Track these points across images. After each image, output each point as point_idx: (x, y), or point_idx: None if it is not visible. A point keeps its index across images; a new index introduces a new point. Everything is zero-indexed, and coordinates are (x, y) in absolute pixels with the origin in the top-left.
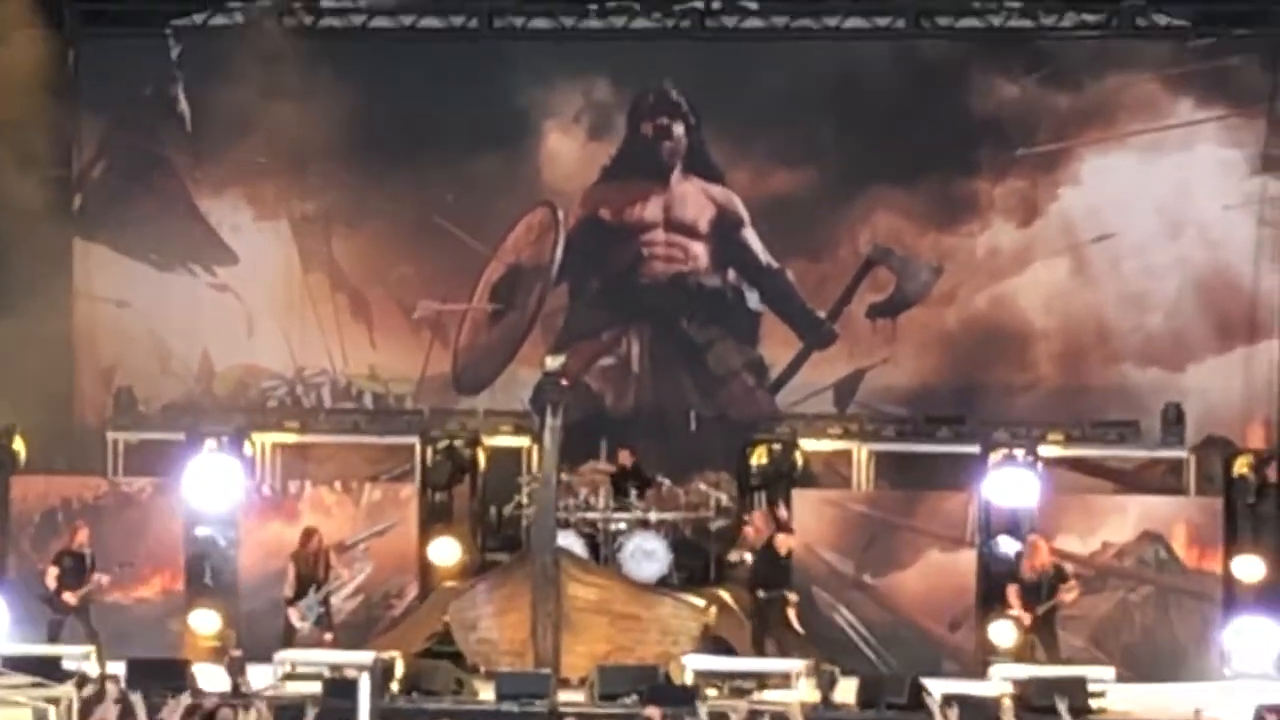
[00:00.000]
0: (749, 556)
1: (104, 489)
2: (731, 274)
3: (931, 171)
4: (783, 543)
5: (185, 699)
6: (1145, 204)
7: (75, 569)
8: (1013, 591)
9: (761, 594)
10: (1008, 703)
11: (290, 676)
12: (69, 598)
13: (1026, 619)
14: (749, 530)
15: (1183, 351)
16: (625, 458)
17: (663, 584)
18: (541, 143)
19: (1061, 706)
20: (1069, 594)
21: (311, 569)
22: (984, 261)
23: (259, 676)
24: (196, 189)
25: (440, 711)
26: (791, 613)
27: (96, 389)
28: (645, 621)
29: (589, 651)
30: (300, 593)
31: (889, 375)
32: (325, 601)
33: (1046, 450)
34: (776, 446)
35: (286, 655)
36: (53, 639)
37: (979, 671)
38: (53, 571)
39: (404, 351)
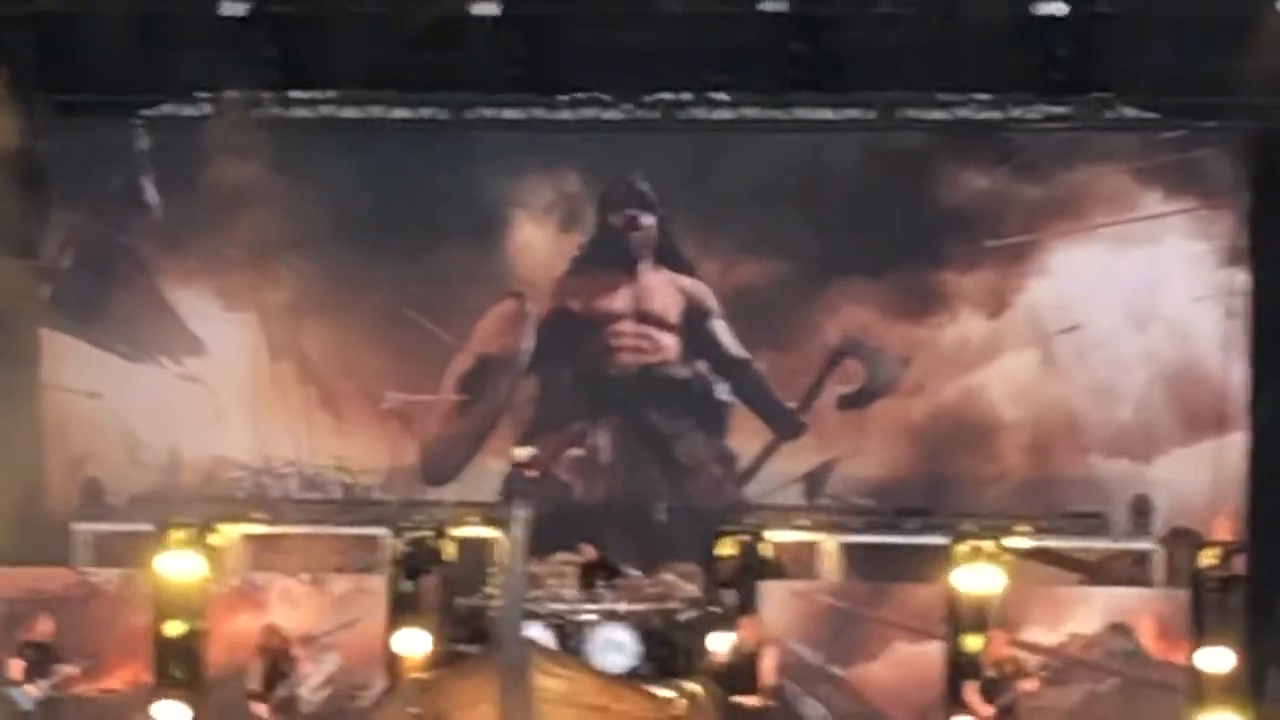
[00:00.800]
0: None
1: (71, 580)
2: (701, 365)
3: (900, 263)
4: (768, 665)
5: None
6: (1114, 296)
7: (40, 660)
8: (970, 689)
9: (738, 699)
10: None
11: None
12: (31, 690)
13: (988, 712)
14: (744, 633)
15: (1151, 443)
16: (589, 552)
17: (632, 675)
18: (512, 233)
19: None
20: (1028, 684)
21: (276, 662)
22: (952, 353)
23: None
24: (165, 280)
25: None
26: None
27: (65, 480)
28: (614, 714)
29: None
30: (268, 686)
31: (859, 467)
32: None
33: (1013, 542)
34: (745, 538)
35: None
36: None
37: None
38: (17, 664)
39: (372, 442)
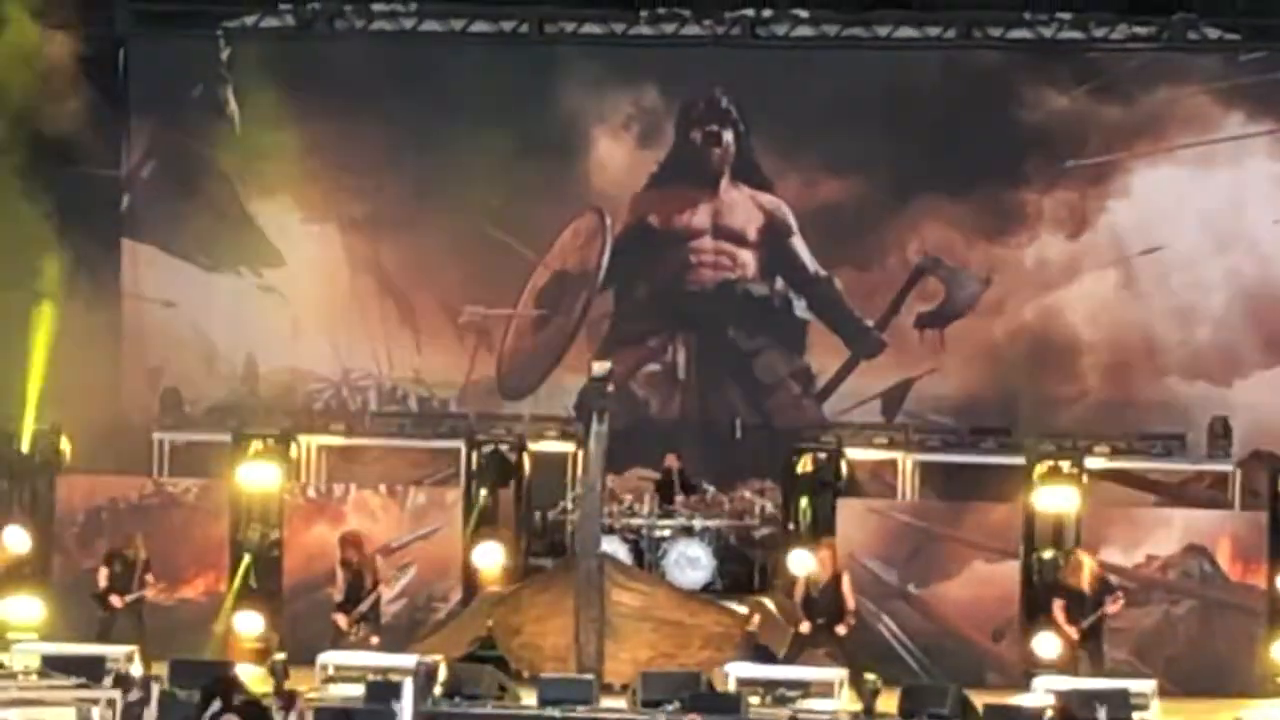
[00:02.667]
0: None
1: (149, 489)
2: (779, 282)
3: (981, 182)
4: (848, 590)
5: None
6: (1194, 218)
7: (125, 572)
8: (1058, 606)
9: (821, 621)
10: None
11: (333, 679)
12: (116, 600)
13: (1072, 632)
14: (825, 554)
15: (1230, 366)
16: (672, 461)
17: (706, 591)
18: (590, 149)
19: (1103, 718)
20: (1113, 607)
21: (359, 575)
22: (1032, 273)
23: (302, 678)
24: (244, 191)
25: (483, 716)
26: (841, 630)
27: (143, 389)
28: (688, 628)
29: (632, 658)
30: (350, 598)
31: (936, 385)
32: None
33: (1092, 463)
34: (822, 455)
35: (329, 658)
36: (102, 639)
37: (1022, 683)
38: (103, 572)
39: (449, 356)
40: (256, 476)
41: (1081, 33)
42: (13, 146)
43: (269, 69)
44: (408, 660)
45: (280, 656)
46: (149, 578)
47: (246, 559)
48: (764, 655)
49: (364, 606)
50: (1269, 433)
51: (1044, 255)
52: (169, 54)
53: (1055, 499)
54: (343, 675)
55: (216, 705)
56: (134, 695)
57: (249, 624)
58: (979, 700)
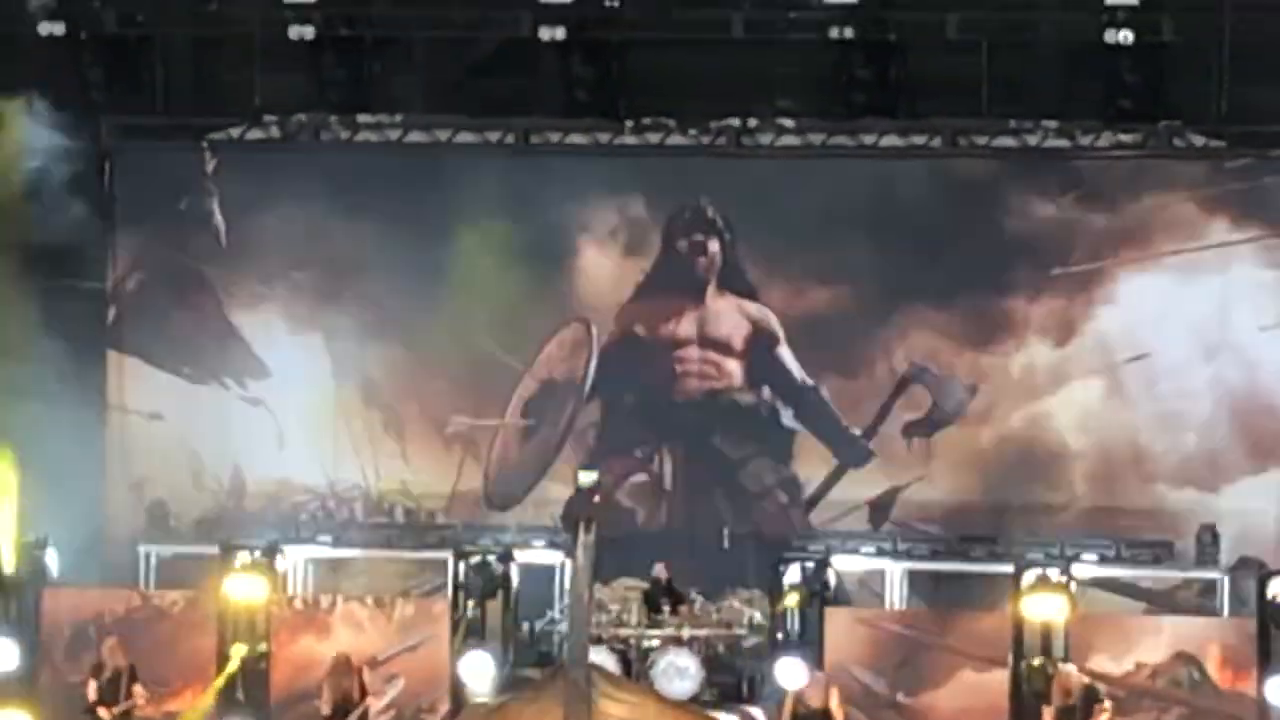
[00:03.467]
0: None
1: (136, 602)
2: (766, 391)
3: (967, 290)
4: (838, 711)
5: None
6: (1181, 324)
7: (112, 683)
8: (1047, 715)
9: None
10: None
11: None
12: (104, 714)
13: None
14: (821, 679)
15: (1217, 472)
16: (660, 571)
17: (695, 701)
18: (577, 259)
19: None
20: (1101, 717)
21: (347, 688)
22: (1020, 381)
23: None
24: (230, 302)
25: None
26: None
27: (128, 502)
28: None
29: None
30: (338, 712)
31: (924, 493)
32: None
33: (1080, 570)
34: (809, 564)
35: None
36: None
37: None
38: (91, 685)
39: (436, 467)
40: (243, 588)
41: (1067, 140)
42: (2, 253)
43: (254, 181)
44: None
45: None
46: (137, 688)
47: (231, 665)
48: None
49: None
50: (1256, 539)
51: (1031, 363)
52: (154, 166)
53: (1043, 607)
54: None
55: None
56: None
57: None
58: None
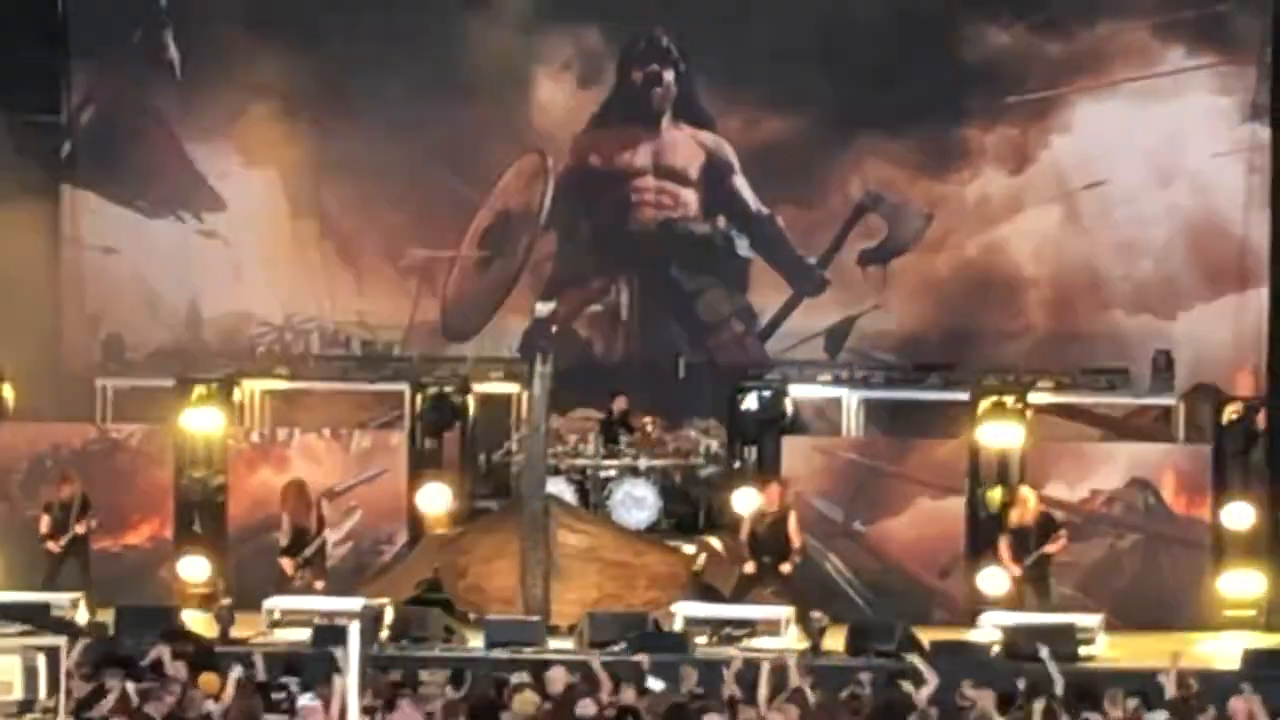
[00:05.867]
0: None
1: (93, 435)
2: (721, 221)
3: (922, 119)
4: (794, 528)
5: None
6: (1136, 152)
7: (63, 515)
8: (1003, 543)
9: (766, 560)
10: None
11: (279, 624)
12: (52, 545)
13: (1016, 569)
14: (774, 490)
15: (1173, 299)
16: (621, 404)
17: (652, 531)
18: (531, 90)
19: (1046, 654)
20: (1056, 544)
21: (304, 519)
22: (975, 209)
23: (248, 624)
24: (185, 135)
25: (430, 658)
26: (786, 568)
27: (83, 336)
28: (635, 568)
29: (579, 599)
30: (295, 543)
31: (880, 322)
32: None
33: (1036, 398)
34: (766, 393)
35: (275, 603)
36: (48, 586)
37: (968, 619)
38: (44, 519)
39: (392, 298)
40: (200, 421)
41: None
42: None
43: (208, 12)
44: (354, 604)
45: (226, 601)
46: (85, 518)
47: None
48: (710, 595)
49: (309, 551)
50: (1211, 365)
51: (986, 191)
52: None
53: (1000, 434)
54: (289, 620)
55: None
56: (80, 642)
57: (194, 569)
58: (925, 637)
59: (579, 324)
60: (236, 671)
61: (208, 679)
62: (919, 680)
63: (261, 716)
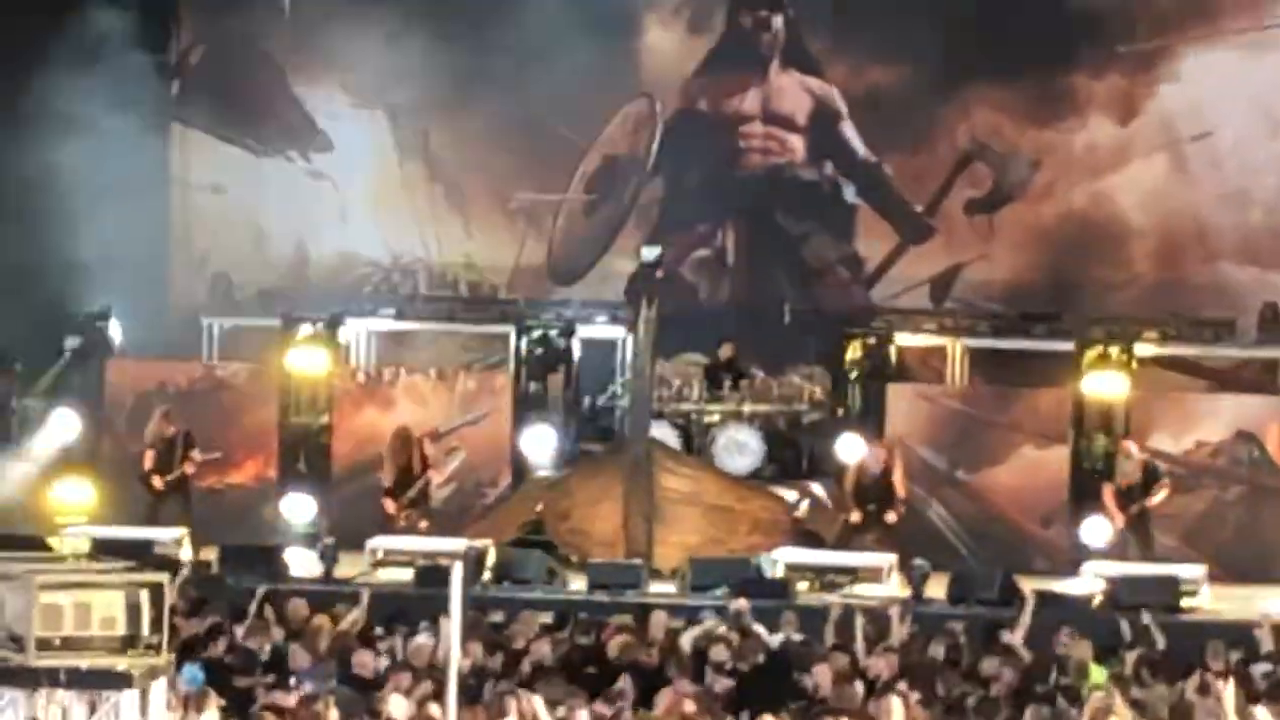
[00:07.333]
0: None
1: (199, 373)
2: (829, 167)
3: (1030, 67)
4: (900, 480)
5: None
6: (1245, 102)
7: (168, 452)
8: (1108, 492)
9: (871, 509)
10: None
11: (382, 564)
12: (158, 481)
13: (1121, 519)
14: (881, 453)
15: None
16: (728, 350)
17: (755, 477)
18: (640, 35)
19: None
20: (1160, 494)
21: (409, 460)
22: (1082, 158)
23: (351, 563)
24: (294, 75)
25: (532, 600)
26: (891, 517)
27: (191, 274)
28: (737, 514)
29: (680, 543)
30: (399, 483)
31: (985, 271)
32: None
33: (1141, 348)
34: (871, 341)
35: (379, 543)
36: (150, 522)
37: (1070, 568)
38: (149, 455)
39: (499, 241)
40: (306, 361)
41: None
42: (64, 28)
43: None
44: (457, 545)
45: (329, 540)
46: (194, 454)
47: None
48: (812, 541)
49: (413, 492)
50: None
51: (1094, 140)
52: None
53: (1104, 385)
54: (392, 560)
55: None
56: (183, 578)
57: (298, 508)
58: (1027, 585)
59: (685, 269)
60: (354, 613)
61: (321, 619)
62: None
63: (359, 656)
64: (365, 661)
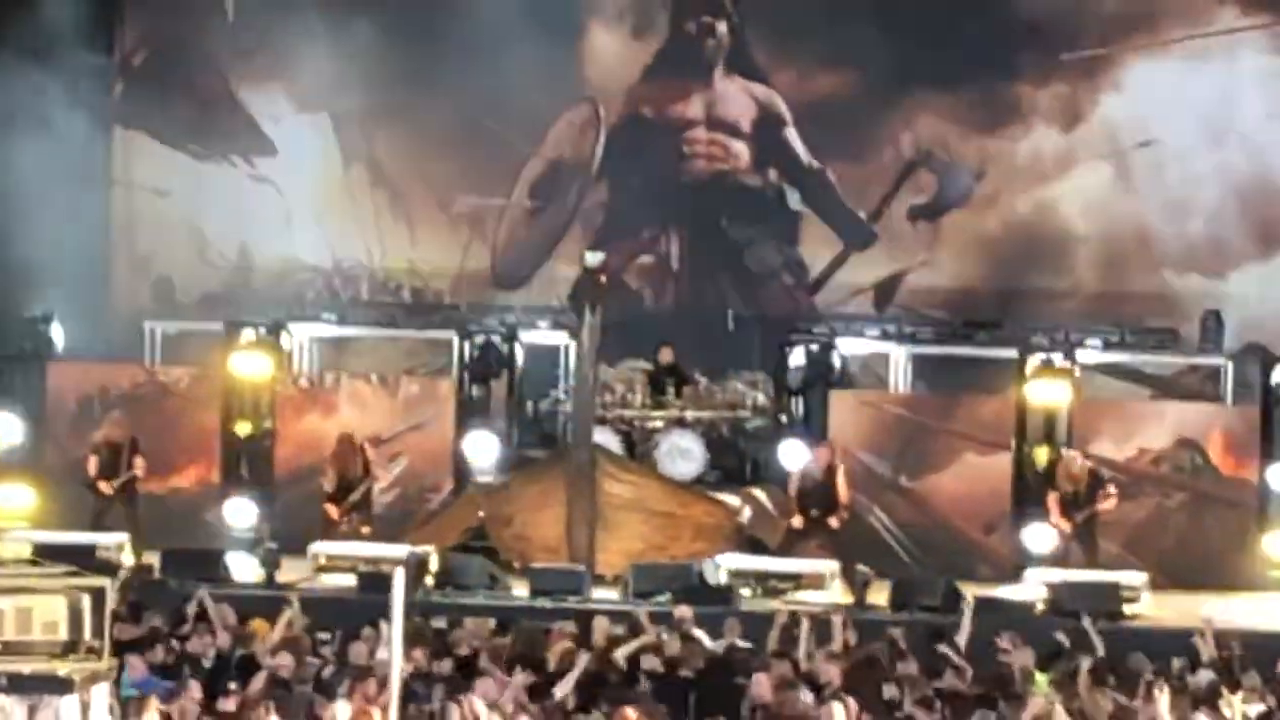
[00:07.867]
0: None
1: (141, 377)
2: (773, 174)
3: (975, 75)
4: (843, 485)
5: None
6: (1188, 111)
7: (113, 457)
8: (1052, 499)
9: (814, 514)
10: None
11: (324, 569)
12: (104, 486)
13: (1066, 527)
14: (824, 453)
15: (1223, 259)
16: (667, 355)
17: (698, 482)
18: (584, 39)
19: (1087, 622)
20: (1109, 501)
21: (350, 465)
22: (1026, 166)
23: (294, 569)
24: (238, 80)
25: (474, 606)
26: (834, 523)
27: (133, 278)
28: (680, 520)
29: (623, 549)
30: (341, 489)
31: (929, 278)
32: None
33: (1084, 356)
34: (814, 347)
35: (321, 548)
36: (96, 527)
37: (1013, 575)
38: (92, 460)
39: (442, 246)
40: (248, 366)
41: None
42: (7, 27)
43: None
44: (399, 550)
45: (271, 545)
46: (138, 460)
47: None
48: (756, 547)
49: (355, 497)
50: (1261, 325)
51: (1038, 148)
52: None
53: (1047, 392)
54: (334, 565)
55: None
56: (123, 583)
57: (240, 513)
58: (970, 592)
59: (629, 275)
60: (286, 615)
61: (258, 624)
62: (954, 632)
63: (308, 661)
64: (306, 666)
